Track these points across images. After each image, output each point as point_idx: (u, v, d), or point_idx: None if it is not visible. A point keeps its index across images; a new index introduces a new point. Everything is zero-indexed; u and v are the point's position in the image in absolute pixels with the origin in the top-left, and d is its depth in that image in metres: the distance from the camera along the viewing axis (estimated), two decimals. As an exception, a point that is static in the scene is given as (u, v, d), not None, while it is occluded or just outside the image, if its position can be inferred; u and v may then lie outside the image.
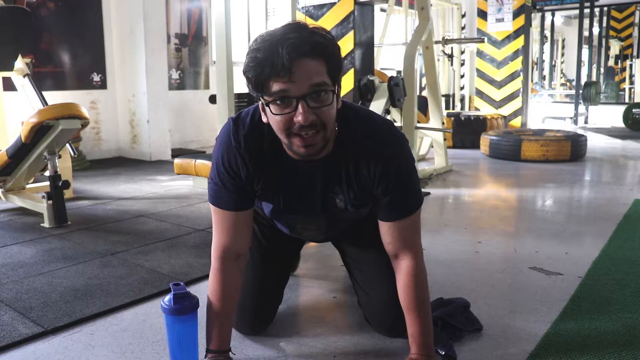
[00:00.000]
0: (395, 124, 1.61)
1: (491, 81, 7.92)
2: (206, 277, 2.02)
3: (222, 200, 1.36)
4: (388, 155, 1.31)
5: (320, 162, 1.32)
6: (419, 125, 4.50)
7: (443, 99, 6.69)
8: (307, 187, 1.39)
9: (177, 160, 3.64)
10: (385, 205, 1.36)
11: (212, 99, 3.54)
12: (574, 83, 11.84)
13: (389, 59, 8.12)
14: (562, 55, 17.02)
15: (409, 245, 1.38)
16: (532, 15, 8.61)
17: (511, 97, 7.77)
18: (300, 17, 4.57)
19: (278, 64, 1.11)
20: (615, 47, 14.83)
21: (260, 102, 1.22)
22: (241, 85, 4.67)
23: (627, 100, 12.03)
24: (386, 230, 1.39)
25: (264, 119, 1.25)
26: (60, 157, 3.08)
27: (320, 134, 1.20)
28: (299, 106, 1.15)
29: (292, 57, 1.11)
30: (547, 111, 10.32)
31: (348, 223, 1.60)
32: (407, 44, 4.71)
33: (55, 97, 4.74)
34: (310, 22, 1.41)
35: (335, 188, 1.38)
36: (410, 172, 1.35)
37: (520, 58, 7.64)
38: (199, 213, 3.24)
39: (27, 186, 3.39)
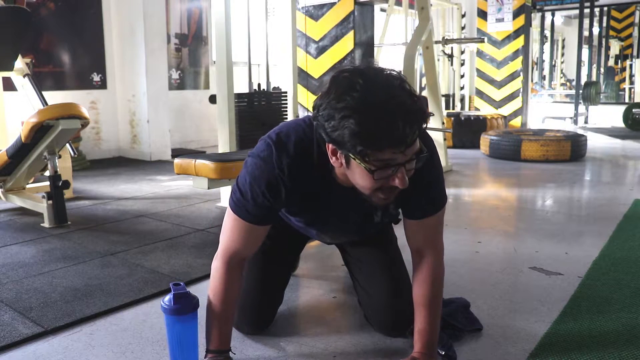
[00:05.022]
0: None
1: (491, 81, 7.92)
2: (206, 277, 2.03)
3: (245, 211, 1.33)
4: (427, 164, 1.26)
5: None
6: (419, 125, 4.50)
7: (443, 99, 6.69)
8: (351, 207, 1.40)
9: (177, 160, 3.63)
10: (415, 203, 1.37)
11: (212, 99, 3.54)
12: (574, 83, 11.84)
13: (389, 59, 8.11)
14: (562, 55, 17.01)
15: (432, 243, 1.41)
16: (532, 15, 8.61)
17: (511, 97, 7.77)
18: (300, 17, 4.56)
19: (397, 139, 1.06)
20: (615, 47, 14.81)
21: (339, 152, 1.15)
22: (241, 85, 4.61)
23: (627, 100, 12.01)
24: (412, 227, 1.40)
25: (335, 164, 1.20)
26: (60, 157, 3.08)
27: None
28: (399, 172, 1.12)
29: (412, 132, 1.05)
30: (547, 111, 10.30)
31: (371, 230, 1.61)
32: (407, 44, 4.71)
33: (55, 97, 4.74)
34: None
35: None
36: (438, 171, 1.38)
37: (520, 58, 7.64)
38: (199, 213, 3.24)
39: (27, 186, 3.39)
